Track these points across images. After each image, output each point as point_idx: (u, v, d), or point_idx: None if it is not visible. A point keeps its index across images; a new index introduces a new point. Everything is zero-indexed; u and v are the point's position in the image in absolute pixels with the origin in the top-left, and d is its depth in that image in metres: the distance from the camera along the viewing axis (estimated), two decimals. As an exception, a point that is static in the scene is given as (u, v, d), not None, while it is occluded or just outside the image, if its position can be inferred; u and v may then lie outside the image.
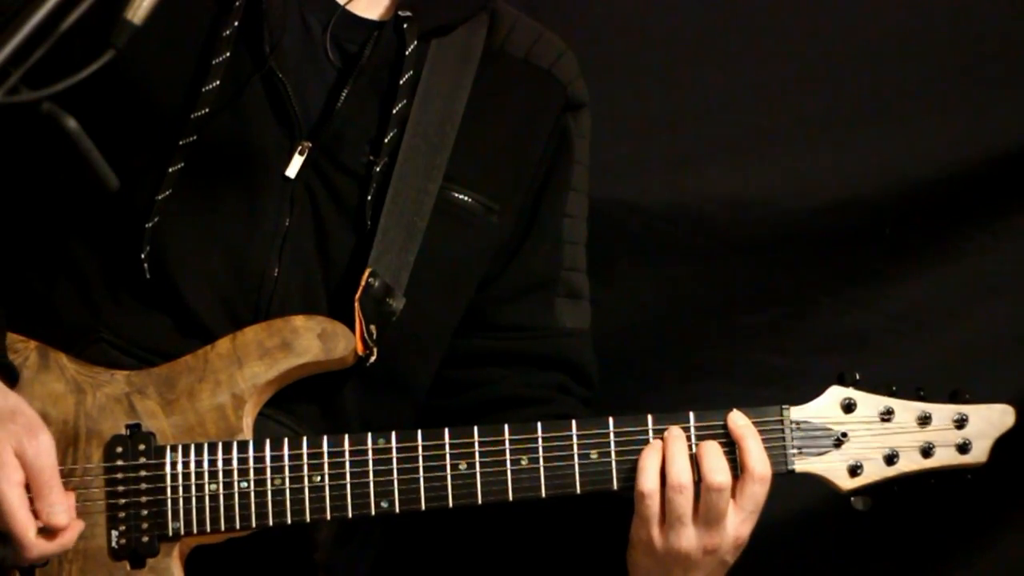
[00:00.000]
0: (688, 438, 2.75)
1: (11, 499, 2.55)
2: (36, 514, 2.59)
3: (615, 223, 3.66)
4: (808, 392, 2.83)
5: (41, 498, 2.59)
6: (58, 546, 2.61)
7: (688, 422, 2.76)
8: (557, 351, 3.04)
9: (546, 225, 3.03)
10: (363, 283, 2.79)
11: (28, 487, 2.59)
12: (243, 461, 2.73)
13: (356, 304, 2.78)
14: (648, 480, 2.72)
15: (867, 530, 3.70)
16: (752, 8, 3.72)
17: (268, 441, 2.74)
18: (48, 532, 2.60)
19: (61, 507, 2.60)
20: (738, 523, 2.74)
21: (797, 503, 3.54)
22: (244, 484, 2.73)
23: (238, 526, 2.72)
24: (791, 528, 3.62)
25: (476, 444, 2.74)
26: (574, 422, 2.76)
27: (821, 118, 3.74)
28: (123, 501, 2.72)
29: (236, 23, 2.80)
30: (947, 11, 3.74)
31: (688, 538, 2.72)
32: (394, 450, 2.74)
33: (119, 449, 2.73)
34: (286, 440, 2.74)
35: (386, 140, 2.85)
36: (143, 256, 2.78)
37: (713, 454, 2.73)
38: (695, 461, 2.73)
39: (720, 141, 3.73)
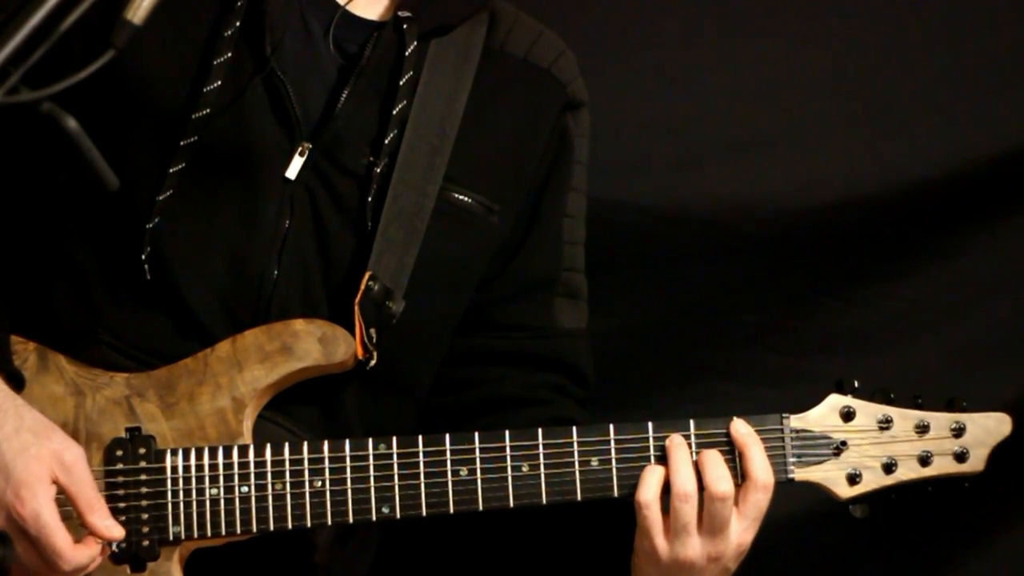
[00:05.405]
0: (688, 446, 2.75)
1: (49, 518, 2.54)
2: (90, 528, 2.58)
3: (616, 223, 3.64)
4: (808, 392, 2.83)
5: (93, 512, 2.59)
6: (93, 557, 2.60)
7: (688, 430, 2.76)
8: (555, 351, 3.03)
9: (546, 225, 3.02)
10: (363, 286, 2.79)
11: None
12: (244, 465, 2.73)
13: (356, 308, 2.77)
14: (647, 490, 2.72)
15: (866, 535, 3.70)
16: (753, 8, 3.71)
17: (269, 445, 2.74)
18: (86, 545, 2.58)
19: (112, 519, 2.60)
20: (741, 531, 2.74)
21: (797, 508, 3.53)
22: (245, 488, 2.72)
23: (239, 530, 2.72)
24: (791, 533, 3.62)
25: (477, 450, 2.74)
26: (575, 429, 2.76)
27: (821, 118, 3.73)
28: (123, 505, 2.71)
29: (237, 23, 2.79)
30: (947, 11, 3.73)
31: (693, 547, 2.72)
32: (395, 456, 2.74)
33: (119, 452, 2.73)
34: (287, 445, 2.74)
35: (386, 141, 2.84)
36: (143, 257, 2.77)
37: (716, 463, 2.73)
38: (697, 470, 2.73)
39: (720, 141, 3.72)
